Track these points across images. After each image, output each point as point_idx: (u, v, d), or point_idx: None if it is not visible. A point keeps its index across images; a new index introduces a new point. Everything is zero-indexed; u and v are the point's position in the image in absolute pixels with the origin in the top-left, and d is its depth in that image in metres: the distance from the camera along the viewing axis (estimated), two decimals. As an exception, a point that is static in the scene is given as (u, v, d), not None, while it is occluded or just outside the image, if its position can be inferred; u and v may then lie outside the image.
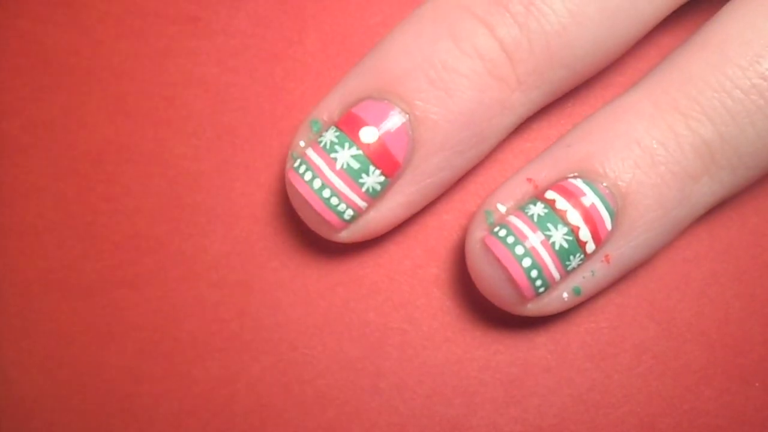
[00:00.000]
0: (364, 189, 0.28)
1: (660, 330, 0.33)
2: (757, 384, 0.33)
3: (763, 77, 0.28)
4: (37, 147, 0.33)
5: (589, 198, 0.28)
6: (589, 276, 0.29)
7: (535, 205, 0.29)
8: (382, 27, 0.34)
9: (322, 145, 0.29)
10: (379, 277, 0.33)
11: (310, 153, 0.29)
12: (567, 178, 0.29)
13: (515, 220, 0.29)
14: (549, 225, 0.28)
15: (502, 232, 0.28)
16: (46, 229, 0.33)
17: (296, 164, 0.29)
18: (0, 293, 0.33)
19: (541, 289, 0.29)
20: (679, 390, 0.33)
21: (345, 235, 0.30)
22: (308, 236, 0.33)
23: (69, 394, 0.32)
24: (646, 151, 0.28)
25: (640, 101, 0.29)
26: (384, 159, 0.28)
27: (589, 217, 0.28)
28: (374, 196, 0.29)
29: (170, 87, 0.34)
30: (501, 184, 0.31)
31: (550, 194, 0.29)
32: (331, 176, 0.28)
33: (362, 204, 0.29)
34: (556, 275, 0.28)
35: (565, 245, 0.28)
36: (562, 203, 0.28)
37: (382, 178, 0.28)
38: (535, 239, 0.28)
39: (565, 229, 0.28)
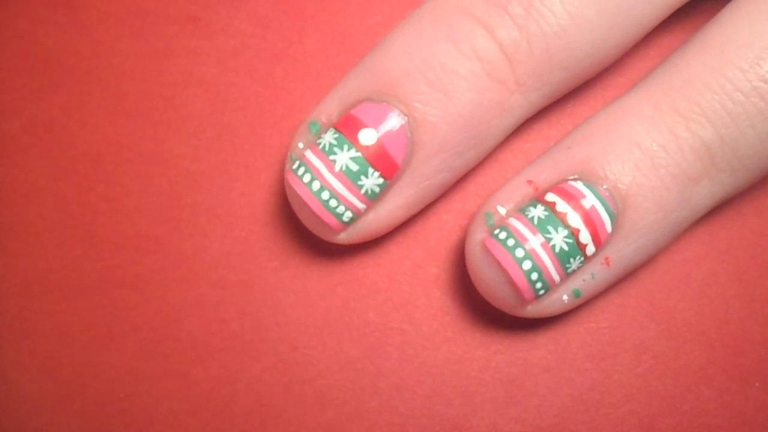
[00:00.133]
0: (362, 191, 0.28)
1: (660, 330, 0.33)
2: (757, 384, 0.33)
3: (763, 80, 0.28)
4: (37, 147, 0.33)
5: (590, 200, 0.28)
6: (589, 278, 0.29)
7: (535, 207, 0.29)
8: (382, 27, 0.34)
9: (320, 146, 0.29)
10: (379, 277, 0.33)
11: (309, 155, 0.29)
12: (567, 180, 0.29)
13: (515, 223, 0.28)
14: (549, 227, 0.28)
15: (503, 235, 0.28)
16: (46, 229, 0.33)
17: (295, 166, 0.29)
18: (0, 293, 0.33)
19: (541, 292, 0.29)
20: (679, 390, 0.33)
21: (344, 237, 0.30)
22: (308, 237, 0.33)
23: (69, 394, 0.32)
24: (646, 153, 0.28)
25: (641, 103, 0.29)
26: (383, 161, 0.28)
27: (590, 219, 0.28)
28: (373, 198, 0.29)
29: (170, 87, 0.34)
30: (501, 186, 0.30)
31: (550, 196, 0.29)
32: (330, 178, 0.28)
33: (361, 206, 0.29)
34: (556, 278, 0.28)
35: (566, 248, 0.28)
36: (562, 206, 0.28)
37: (380, 180, 0.28)
38: (535, 242, 0.28)
39: (566, 232, 0.28)
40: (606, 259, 0.29)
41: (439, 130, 0.28)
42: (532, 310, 0.30)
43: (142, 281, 0.33)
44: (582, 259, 0.28)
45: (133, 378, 0.33)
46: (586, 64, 0.29)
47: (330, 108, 0.29)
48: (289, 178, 0.29)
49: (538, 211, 0.28)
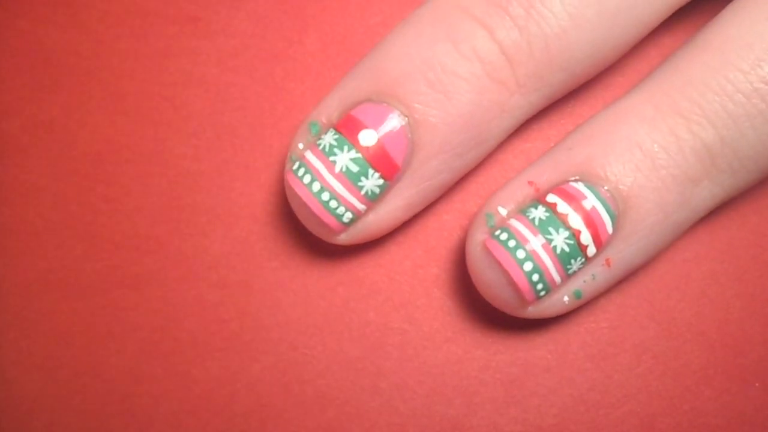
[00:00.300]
0: (363, 192, 0.28)
1: (660, 330, 0.33)
2: (757, 384, 0.33)
3: (764, 81, 0.28)
4: (37, 147, 0.33)
5: (591, 201, 0.28)
6: (589, 280, 0.29)
7: (536, 208, 0.29)
8: (382, 27, 0.34)
9: (321, 147, 0.29)
10: (379, 277, 0.33)
11: (309, 155, 0.29)
12: (568, 181, 0.29)
13: (516, 224, 0.29)
14: (550, 229, 0.28)
15: (503, 236, 0.28)
16: (46, 229, 0.33)
17: (295, 167, 0.29)
18: (0, 293, 0.33)
19: (542, 293, 0.29)
20: (679, 390, 0.33)
21: (344, 238, 0.30)
22: (308, 237, 0.33)
23: (69, 394, 0.32)
24: (647, 154, 0.28)
25: (641, 104, 0.29)
26: (383, 162, 0.28)
27: (591, 220, 0.28)
28: (373, 199, 0.29)
29: (170, 87, 0.34)
30: (502, 187, 0.31)
31: (551, 198, 0.29)
32: (330, 179, 0.28)
33: (361, 207, 0.29)
34: (557, 279, 0.28)
35: (567, 249, 0.28)
36: (563, 207, 0.28)
37: (381, 181, 0.28)
38: (536, 243, 0.28)
39: (567, 233, 0.28)
40: (607, 260, 0.29)
41: (440, 131, 0.29)
42: (533, 311, 0.30)
43: (142, 281, 0.33)
44: (583, 260, 0.28)
45: (133, 378, 0.33)
46: (587, 64, 0.29)
47: (330, 109, 0.29)
48: (289, 178, 0.29)
49: (539, 212, 0.28)
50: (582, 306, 0.32)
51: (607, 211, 0.28)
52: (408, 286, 0.33)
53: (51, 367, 0.33)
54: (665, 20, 0.31)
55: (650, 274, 0.33)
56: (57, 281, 0.33)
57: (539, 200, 0.29)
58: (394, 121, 0.28)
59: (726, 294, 0.33)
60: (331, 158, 0.28)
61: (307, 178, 0.28)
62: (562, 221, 0.28)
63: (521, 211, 0.29)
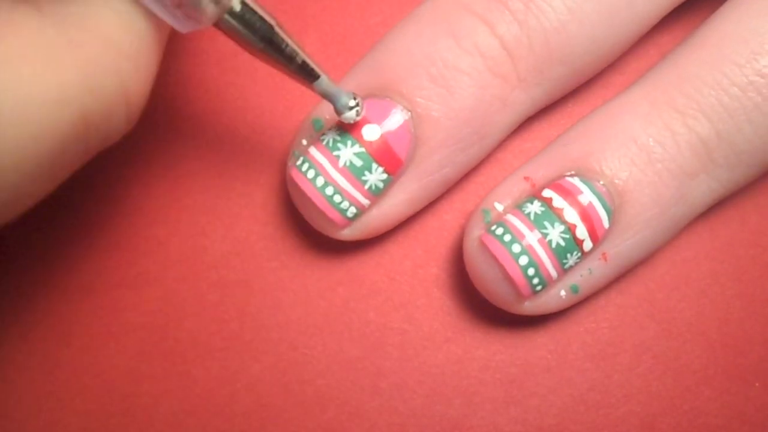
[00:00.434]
0: (366, 186, 0.29)
1: (660, 330, 0.33)
2: (757, 384, 0.33)
3: (760, 74, 0.29)
4: (37, 147, 0.34)
5: (586, 196, 0.29)
6: (586, 274, 0.30)
7: (532, 203, 0.29)
8: (382, 27, 0.34)
9: (324, 143, 0.29)
10: (379, 277, 0.34)
11: (313, 151, 0.29)
12: (564, 176, 0.30)
13: (512, 219, 0.29)
14: (546, 223, 0.29)
15: (499, 231, 0.29)
16: (46, 229, 0.34)
17: (299, 162, 0.30)
18: (0, 293, 0.33)
19: (539, 287, 0.29)
20: (679, 390, 0.33)
21: (347, 233, 0.31)
22: (308, 236, 0.33)
23: (69, 394, 0.33)
24: (642, 149, 0.29)
25: (637, 100, 0.30)
26: (386, 156, 0.29)
27: (586, 215, 0.29)
28: (377, 194, 0.29)
29: (170, 87, 0.34)
30: (499, 183, 0.31)
31: (547, 192, 0.29)
32: (334, 174, 0.29)
33: (365, 201, 0.29)
34: (553, 273, 0.29)
35: (562, 243, 0.29)
36: (558, 201, 0.29)
37: (384, 176, 0.29)
38: (532, 237, 0.29)
39: (562, 227, 0.29)
40: (603, 254, 0.30)
41: (442, 126, 0.29)
42: (530, 306, 0.30)
43: (142, 281, 0.33)
44: (579, 254, 0.29)
45: (133, 378, 0.33)
46: (587, 59, 0.30)
47: (333, 104, 0.30)
48: (293, 174, 0.30)
49: (534, 207, 0.29)
50: (582, 306, 0.33)
51: (603, 205, 0.29)
52: (408, 286, 0.34)
53: (51, 367, 0.33)
54: (664, 19, 0.32)
55: (650, 274, 0.34)
56: (56, 281, 0.33)
57: (535, 195, 0.30)
58: (397, 116, 0.29)
59: (726, 294, 0.34)
60: (335, 153, 0.29)
61: (311, 173, 0.29)
62: (557, 216, 0.29)
63: (517, 206, 0.30)
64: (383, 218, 0.31)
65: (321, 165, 0.29)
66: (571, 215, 0.29)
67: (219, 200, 0.34)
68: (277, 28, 0.25)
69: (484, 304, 0.32)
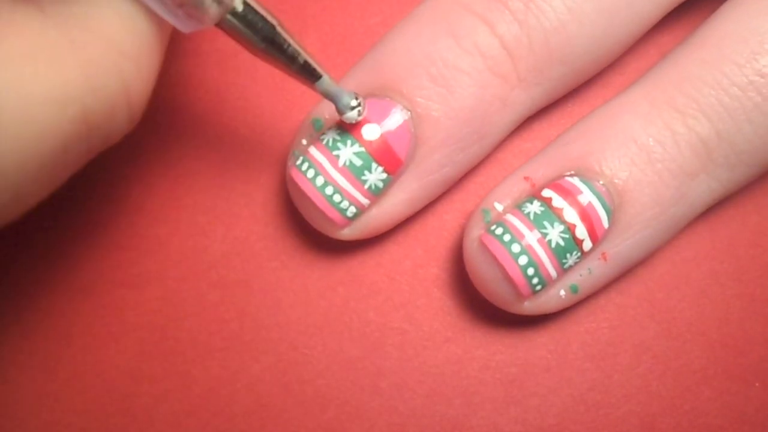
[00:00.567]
0: (366, 186, 0.29)
1: (660, 330, 0.34)
2: (757, 384, 0.33)
3: (760, 74, 0.29)
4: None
5: (586, 196, 0.29)
6: (586, 274, 0.30)
7: (531, 203, 0.29)
8: (382, 27, 0.35)
9: (324, 142, 0.29)
10: (379, 277, 0.34)
11: (313, 150, 0.29)
12: (564, 176, 0.30)
13: (512, 219, 0.29)
14: (545, 223, 0.29)
15: (499, 231, 0.29)
16: (46, 228, 0.34)
17: (299, 162, 0.30)
18: (0, 293, 0.33)
19: (538, 287, 0.29)
20: (679, 390, 0.33)
21: (347, 233, 0.31)
22: (308, 236, 0.34)
23: (69, 394, 0.33)
24: (642, 148, 0.29)
25: (637, 100, 0.30)
26: (386, 156, 0.29)
27: (586, 215, 0.29)
28: (377, 193, 0.30)
29: (170, 87, 0.34)
30: (499, 183, 0.31)
31: (546, 192, 0.29)
32: (334, 173, 0.29)
33: (365, 201, 0.30)
34: (553, 273, 0.29)
35: (562, 243, 0.29)
36: (558, 201, 0.29)
37: (384, 175, 0.29)
38: (531, 237, 0.29)
39: (562, 227, 0.29)
40: (603, 254, 0.30)
41: (442, 125, 0.29)
42: (530, 306, 0.30)
43: (142, 281, 0.34)
44: (579, 254, 0.29)
45: (133, 378, 0.33)
46: (586, 59, 0.30)
47: (333, 104, 0.30)
48: (293, 173, 0.30)
49: (534, 207, 0.29)
50: (582, 306, 0.33)
51: (603, 205, 0.29)
52: (408, 286, 0.34)
53: (51, 367, 0.33)
54: (665, 19, 0.32)
55: (650, 274, 0.34)
56: (56, 280, 0.34)
57: (535, 195, 0.30)
58: (397, 116, 0.29)
59: (726, 294, 0.34)
60: (335, 152, 0.29)
61: (310, 173, 0.29)
62: (557, 215, 0.29)
63: (517, 206, 0.30)
64: (383, 218, 0.31)
65: (321, 164, 0.29)
66: (571, 215, 0.29)
67: (219, 200, 0.34)
68: (279, 28, 0.25)
69: (484, 304, 0.32)
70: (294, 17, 0.35)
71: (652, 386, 0.33)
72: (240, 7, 0.24)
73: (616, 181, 0.29)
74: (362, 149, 0.29)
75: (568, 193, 0.29)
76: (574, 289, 0.30)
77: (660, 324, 0.34)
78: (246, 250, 0.34)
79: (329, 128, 0.30)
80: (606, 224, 0.29)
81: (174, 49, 0.34)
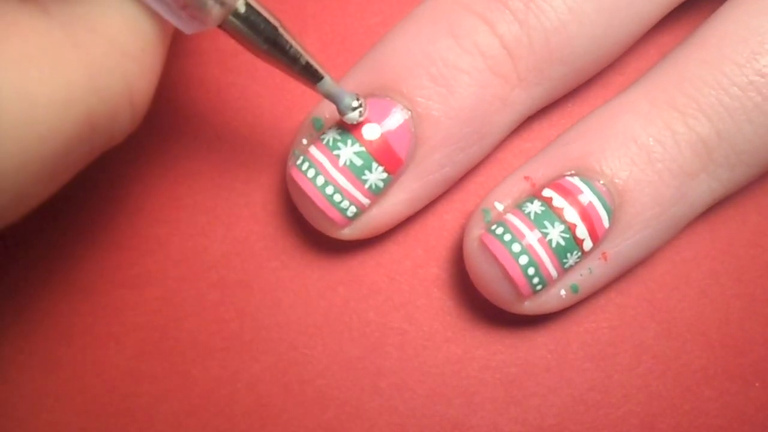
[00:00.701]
0: (366, 186, 0.29)
1: (660, 330, 0.34)
2: (757, 384, 0.33)
3: (760, 74, 0.29)
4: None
5: (586, 196, 0.29)
6: (586, 273, 0.30)
7: (532, 203, 0.30)
8: (382, 27, 0.35)
9: (324, 142, 0.29)
10: (379, 277, 0.34)
11: (313, 150, 0.29)
12: (564, 176, 0.30)
13: (512, 218, 0.29)
14: (546, 222, 0.29)
15: (499, 230, 0.29)
16: (47, 228, 0.34)
17: (299, 161, 0.30)
18: (0, 293, 0.33)
19: (539, 287, 0.30)
20: (679, 390, 0.33)
21: (347, 232, 0.31)
22: (308, 236, 0.34)
23: (69, 394, 0.33)
24: (642, 148, 0.29)
25: (637, 99, 0.30)
26: (387, 156, 0.29)
27: (586, 214, 0.29)
28: (377, 193, 0.30)
29: (171, 87, 0.34)
30: (499, 183, 0.31)
31: (547, 192, 0.30)
32: (334, 173, 0.29)
33: (365, 201, 0.30)
34: (553, 273, 0.29)
35: (562, 243, 0.29)
36: (558, 201, 0.29)
37: (384, 175, 0.29)
38: (532, 237, 0.29)
39: (562, 227, 0.29)
40: (603, 254, 0.30)
41: (442, 125, 0.29)
42: (530, 306, 0.31)
43: (142, 281, 0.34)
44: (579, 254, 0.29)
45: (133, 378, 0.33)
46: (587, 59, 0.30)
47: (333, 104, 0.30)
48: (293, 173, 0.30)
49: (534, 207, 0.29)
50: (582, 306, 0.34)
51: (603, 205, 0.29)
52: (408, 286, 0.34)
53: (51, 367, 0.33)
54: (665, 19, 0.32)
55: (650, 274, 0.34)
56: (57, 281, 0.34)
57: (535, 195, 0.30)
58: (397, 115, 0.29)
59: (726, 294, 0.34)
60: (335, 152, 0.29)
61: (311, 173, 0.29)
62: (557, 215, 0.29)
63: (517, 206, 0.30)
64: (383, 217, 0.31)
65: (321, 164, 0.29)
66: (571, 215, 0.29)
67: (219, 200, 0.34)
68: (281, 29, 0.25)
69: (484, 304, 0.32)
70: (294, 17, 0.35)
71: (652, 386, 0.33)
72: (242, 9, 0.24)
73: (616, 180, 0.29)
74: (362, 149, 0.29)
75: (569, 193, 0.29)
76: (574, 289, 0.30)
77: (660, 324, 0.34)
78: (246, 250, 0.34)
79: (329, 128, 0.30)
80: (606, 224, 0.29)
81: (174, 49, 0.34)
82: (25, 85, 0.20)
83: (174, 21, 0.24)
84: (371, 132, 0.29)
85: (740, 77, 0.29)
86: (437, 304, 0.34)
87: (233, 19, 0.24)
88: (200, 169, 0.34)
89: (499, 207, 0.31)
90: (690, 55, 0.30)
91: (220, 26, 0.24)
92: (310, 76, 0.27)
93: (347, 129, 0.29)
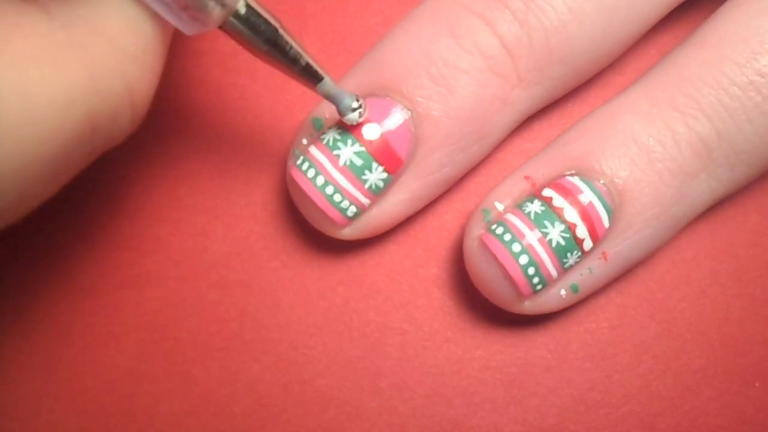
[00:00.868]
0: (366, 186, 0.29)
1: (660, 330, 0.34)
2: (757, 384, 0.33)
3: (760, 74, 0.29)
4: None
5: (587, 195, 0.29)
6: (586, 273, 0.30)
7: (532, 202, 0.30)
8: (382, 27, 0.35)
9: (324, 142, 0.29)
10: (379, 277, 0.34)
11: (313, 150, 0.30)
12: (564, 175, 0.30)
13: (512, 218, 0.30)
14: (546, 222, 0.29)
15: (500, 230, 0.29)
16: (47, 229, 0.34)
17: (299, 161, 0.30)
18: (0, 293, 0.34)
19: (539, 287, 0.30)
20: (679, 390, 0.33)
21: (347, 232, 0.31)
22: (308, 236, 0.34)
23: (69, 394, 0.33)
24: (642, 148, 0.29)
25: (638, 99, 0.30)
26: (387, 155, 0.29)
27: (586, 214, 0.29)
28: (377, 193, 0.30)
29: (171, 87, 0.34)
30: (499, 183, 0.32)
31: (547, 192, 0.30)
32: (334, 173, 0.29)
33: (365, 201, 0.30)
34: (554, 272, 0.29)
35: (562, 242, 0.29)
36: (558, 201, 0.29)
37: (384, 175, 0.29)
38: (532, 237, 0.29)
39: (562, 227, 0.29)
40: (603, 254, 0.30)
41: (442, 125, 0.29)
42: (530, 306, 0.31)
43: (142, 281, 0.34)
44: (579, 253, 0.29)
45: (133, 378, 0.33)
46: (587, 59, 0.31)
47: (333, 104, 0.30)
48: (293, 173, 0.30)
49: (534, 207, 0.29)
50: (582, 306, 0.34)
51: (603, 204, 0.29)
52: (408, 286, 0.34)
53: (51, 367, 0.33)
54: (665, 19, 0.32)
55: (650, 274, 0.34)
56: (57, 281, 0.34)
57: (535, 195, 0.30)
58: (397, 115, 0.29)
59: (726, 294, 0.34)
60: (335, 152, 0.29)
61: (311, 173, 0.29)
62: (557, 215, 0.29)
63: (517, 206, 0.30)
64: (383, 217, 0.31)
65: (321, 164, 0.29)
66: (571, 214, 0.29)
67: (219, 200, 0.34)
68: (281, 31, 0.25)
69: (484, 304, 0.32)
70: (294, 17, 0.35)
71: (652, 386, 0.33)
72: (243, 10, 0.24)
73: (616, 180, 0.29)
74: (362, 149, 0.29)
75: (569, 193, 0.29)
76: (574, 289, 0.30)
77: (660, 324, 0.34)
78: (246, 250, 0.34)
79: (329, 128, 0.30)
80: (606, 224, 0.29)
81: (174, 49, 0.34)
82: (26, 86, 0.20)
83: (175, 22, 0.24)
84: (371, 132, 0.29)
85: (740, 77, 0.29)
86: (437, 304, 0.34)
87: (234, 21, 0.24)
88: (200, 169, 0.34)
89: (499, 207, 0.31)
90: (690, 54, 0.30)
91: (220, 27, 0.24)
92: (310, 77, 0.27)
93: (347, 129, 0.29)
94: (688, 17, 0.34)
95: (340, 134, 0.29)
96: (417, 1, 0.31)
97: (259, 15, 0.25)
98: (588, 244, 0.29)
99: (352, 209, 0.30)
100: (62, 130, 0.21)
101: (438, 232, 0.34)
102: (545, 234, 0.29)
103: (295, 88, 0.32)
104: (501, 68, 0.30)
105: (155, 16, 0.24)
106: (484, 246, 0.30)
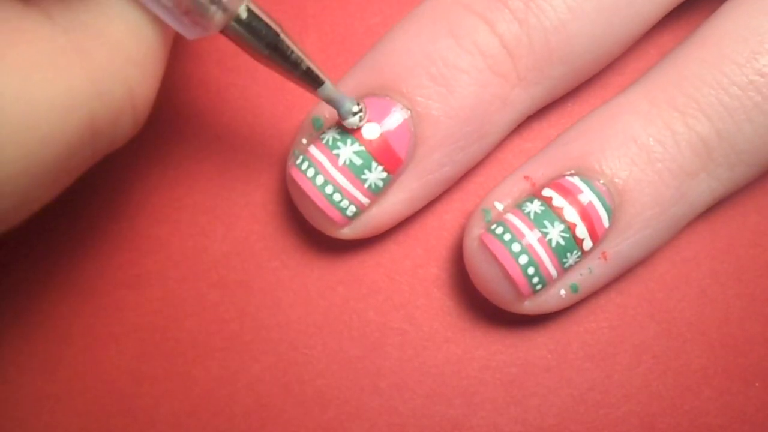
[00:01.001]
0: (366, 185, 0.29)
1: (660, 330, 0.34)
2: (757, 384, 0.34)
3: (760, 74, 0.29)
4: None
5: (586, 195, 0.29)
6: (586, 273, 0.30)
7: (531, 202, 0.30)
8: (382, 27, 0.35)
9: (324, 141, 0.29)
10: (379, 277, 0.34)
11: (313, 150, 0.30)
12: (564, 175, 0.30)
13: (512, 218, 0.30)
14: (545, 222, 0.29)
15: (499, 230, 0.30)
16: (47, 229, 0.34)
17: (299, 161, 0.30)
18: (1, 293, 0.34)
19: (538, 287, 0.30)
20: (679, 390, 0.33)
21: (347, 232, 0.31)
22: (308, 236, 0.34)
23: (69, 395, 0.33)
24: (642, 148, 0.30)
25: (637, 99, 0.30)
26: (386, 155, 0.29)
27: (586, 214, 0.29)
28: (377, 193, 0.30)
29: (171, 87, 0.34)
30: (499, 183, 0.32)
31: (546, 192, 0.30)
32: (334, 172, 0.29)
33: (365, 200, 0.30)
34: (553, 272, 0.29)
35: (562, 242, 0.29)
36: (558, 200, 0.29)
37: (384, 174, 0.29)
38: (531, 237, 0.29)
39: (562, 227, 0.29)
40: (603, 253, 0.30)
41: (442, 124, 0.30)
42: (530, 306, 0.31)
43: (142, 281, 0.34)
44: (579, 253, 0.29)
45: (133, 378, 0.33)
46: (587, 58, 0.31)
47: (333, 104, 0.30)
48: (293, 173, 0.30)
49: (534, 206, 0.30)
50: (582, 306, 0.34)
51: (603, 204, 0.29)
52: (408, 286, 0.34)
53: (51, 367, 0.33)
54: (664, 19, 0.32)
55: (650, 274, 0.34)
56: (57, 281, 0.34)
57: (535, 194, 0.30)
58: (397, 115, 0.29)
59: (726, 294, 0.34)
60: (335, 151, 0.29)
61: (310, 172, 0.29)
62: (557, 215, 0.29)
63: (517, 206, 0.30)
64: (383, 217, 0.31)
65: (321, 164, 0.29)
66: (571, 214, 0.29)
67: (219, 200, 0.34)
68: (282, 35, 0.25)
69: (484, 304, 0.32)
70: (294, 17, 0.35)
71: (652, 386, 0.33)
72: (244, 15, 0.24)
73: (616, 180, 0.29)
74: (362, 148, 0.29)
75: (569, 193, 0.29)
76: (574, 289, 0.30)
77: (660, 324, 0.34)
78: (246, 250, 0.34)
79: (329, 127, 0.30)
80: (606, 223, 0.29)
81: (174, 50, 0.34)
82: (28, 90, 0.20)
83: (176, 27, 0.24)
84: (371, 131, 0.29)
85: (740, 77, 0.29)
86: (437, 304, 0.34)
87: (235, 25, 0.24)
88: (200, 169, 0.34)
89: (499, 207, 0.31)
90: (690, 54, 0.30)
91: (221, 32, 0.25)
92: (311, 81, 0.27)
93: (347, 128, 0.29)
94: (688, 17, 0.34)
95: (339, 134, 0.29)
96: (417, 1, 0.31)
97: (261, 19, 0.25)
98: (588, 244, 0.29)
99: (352, 209, 0.30)
100: (64, 134, 0.21)
101: (438, 232, 0.34)
102: (545, 234, 0.29)
103: (295, 88, 0.32)
104: (501, 68, 0.30)
105: (157, 20, 0.24)
106: (483, 246, 0.30)
